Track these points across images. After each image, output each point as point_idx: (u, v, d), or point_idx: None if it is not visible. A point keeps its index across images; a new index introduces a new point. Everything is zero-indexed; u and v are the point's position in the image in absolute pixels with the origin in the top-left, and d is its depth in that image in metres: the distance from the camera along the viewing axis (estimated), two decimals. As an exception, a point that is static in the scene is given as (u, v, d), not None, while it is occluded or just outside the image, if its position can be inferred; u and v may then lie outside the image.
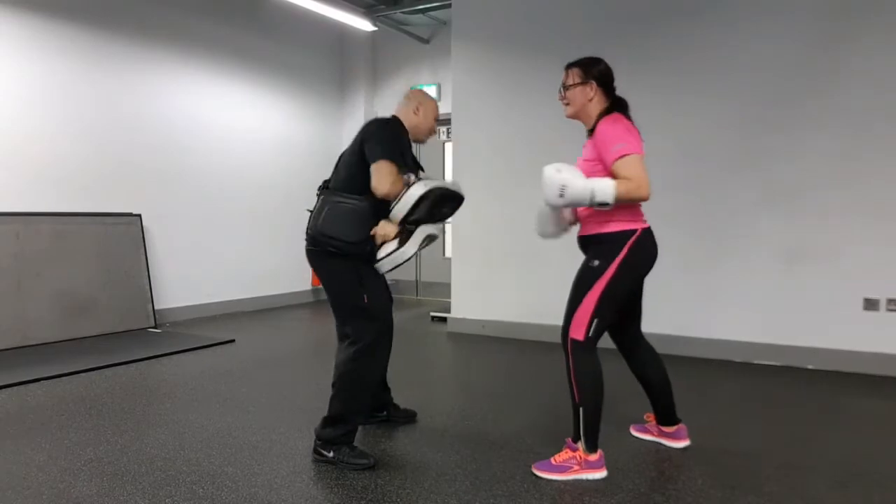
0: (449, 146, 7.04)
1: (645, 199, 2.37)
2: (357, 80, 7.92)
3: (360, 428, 3.00)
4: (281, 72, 7.16)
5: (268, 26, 6.95)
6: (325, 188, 2.70)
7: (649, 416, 2.87)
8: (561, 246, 3.36)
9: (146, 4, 5.78)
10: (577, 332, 2.46)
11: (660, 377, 2.73)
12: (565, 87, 2.58)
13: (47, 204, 5.09)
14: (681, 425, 2.79)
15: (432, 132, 2.86)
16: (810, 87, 4.19)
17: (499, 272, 5.39)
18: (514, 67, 5.30)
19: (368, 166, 2.53)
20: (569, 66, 2.60)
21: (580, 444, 2.49)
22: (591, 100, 2.53)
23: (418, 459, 2.66)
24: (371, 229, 2.55)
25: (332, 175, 2.73)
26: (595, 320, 2.44)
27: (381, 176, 2.47)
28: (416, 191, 2.44)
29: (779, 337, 4.31)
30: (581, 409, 2.47)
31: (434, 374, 4.39)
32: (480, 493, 2.34)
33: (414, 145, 2.82)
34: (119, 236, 5.49)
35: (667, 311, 4.66)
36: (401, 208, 2.47)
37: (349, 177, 2.61)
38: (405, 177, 2.52)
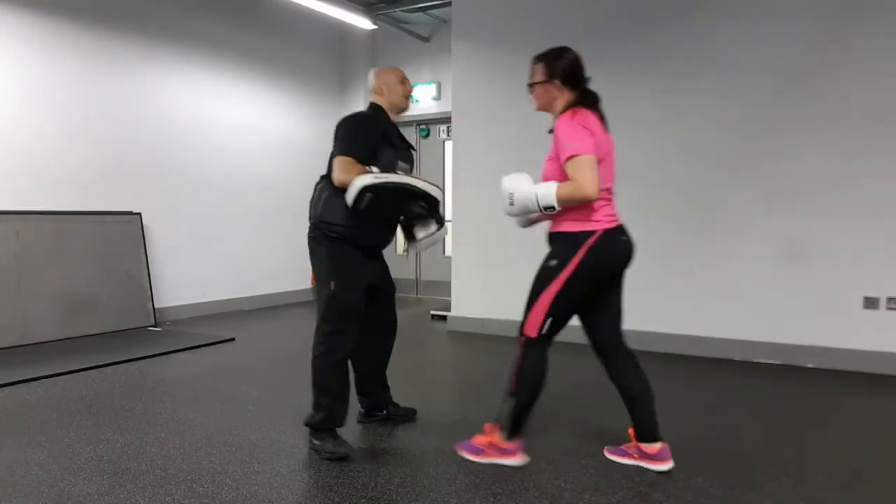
0: (449, 144, 7.04)
1: (590, 200, 2.31)
2: (357, 78, 7.91)
3: (360, 427, 3.01)
4: (281, 70, 7.15)
5: (268, 25, 6.95)
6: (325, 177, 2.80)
7: (632, 432, 2.61)
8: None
9: (147, 3, 5.78)
10: (531, 330, 2.51)
11: (641, 388, 2.52)
12: (531, 84, 2.56)
13: (47, 202, 5.09)
14: (664, 444, 2.53)
15: (407, 96, 2.96)
16: (810, 87, 4.19)
17: (499, 271, 5.39)
18: (515, 66, 5.24)
19: None
20: (534, 61, 2.55)
21: (498, 430, 2.57)
22: (555, 98, 2.50)
23: (418, 458, 2.66)
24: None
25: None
26: (549, 320, 2.47)
27: (336, 169, 2.63)
28: (359, 182, 2.52)
29: (779, 335, 4.31)
30: (513, 399, 2.53)
31: (434, 372, 4.39)
32: (480, 491, 2.34)
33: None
34: (119, 235, 5.49)
35: (667, 310, 4.67)
36: (348, 195, 2.55)
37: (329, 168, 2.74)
38: (368, 168, 2.62)
